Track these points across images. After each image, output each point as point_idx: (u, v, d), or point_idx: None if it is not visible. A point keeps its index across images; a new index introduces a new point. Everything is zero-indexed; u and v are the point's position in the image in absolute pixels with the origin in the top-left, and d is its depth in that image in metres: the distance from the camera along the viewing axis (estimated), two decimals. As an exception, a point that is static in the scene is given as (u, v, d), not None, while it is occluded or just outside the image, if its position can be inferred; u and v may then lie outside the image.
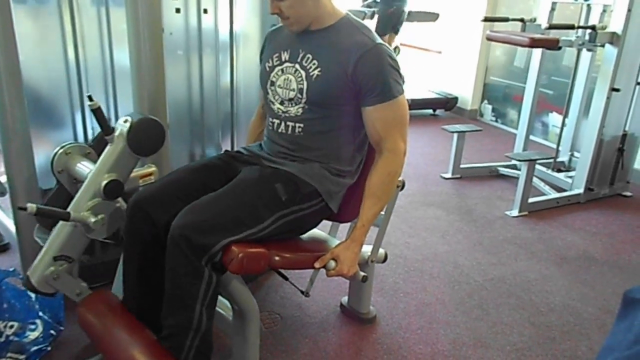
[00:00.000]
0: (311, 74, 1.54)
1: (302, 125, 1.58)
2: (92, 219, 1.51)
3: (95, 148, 1.73)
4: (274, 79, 1.62)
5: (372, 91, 1.50)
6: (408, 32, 5.71)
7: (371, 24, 5.29)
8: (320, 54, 1.54)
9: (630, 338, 0.68)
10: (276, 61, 1.62)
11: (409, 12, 5.40)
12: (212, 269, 1.39)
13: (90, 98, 1.52)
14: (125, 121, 1.56)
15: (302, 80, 1.55)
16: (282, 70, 1.60)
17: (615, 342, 0.71)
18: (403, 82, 1.56)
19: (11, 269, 1.85)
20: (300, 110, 1.57)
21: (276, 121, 1.62)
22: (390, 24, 5.20)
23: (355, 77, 1.49)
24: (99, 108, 1.52)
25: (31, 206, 1.39)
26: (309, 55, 1.55)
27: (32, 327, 1.75)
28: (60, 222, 1.55)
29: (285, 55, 1.60)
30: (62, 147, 1.71)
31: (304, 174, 1.56)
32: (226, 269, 1.43)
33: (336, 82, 1.51)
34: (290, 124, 1.59)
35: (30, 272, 1.54)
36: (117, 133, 1.56)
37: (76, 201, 1.54)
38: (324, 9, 1.55)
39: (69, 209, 1.51)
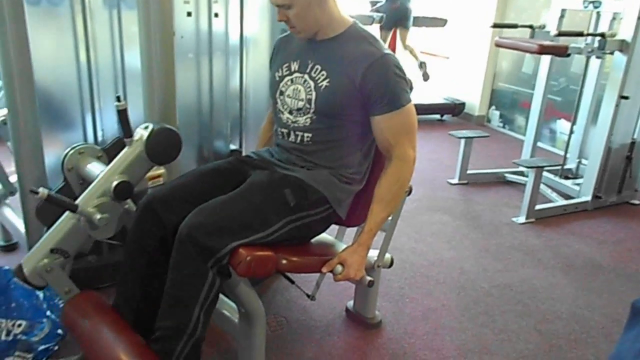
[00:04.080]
0: (320, 84, 1.55)
1: (310, 135, 1.59)
2: (98, 216, 1.51)
3: (108, 152, 1.75)
4: (283, 89, 1.64)
5: (380, 100, 1.51)
6: (416, 37, 5.72)
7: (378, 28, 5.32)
8: (329, 65, 1.55)
9: (638, 347, 0.68)
10: (285, 71, 1.64)
11: (417, 18, 5.42)
12: (217, 272, 1.39)
13: (118, 99, 1.56)
14: (146, 127, 1.59)
15: (311, 90, 1.56)
16: (291, 80, 1.62)
17: (623, 352, 0.71)
18: (411, 89, 1.57)
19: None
20: (308, 120, 1.58)
21: (285, 131, 1.64)
22: (395, 19, 5.25)
23: (363, 87, 1.50)
24: (126, 110, 1.55)
25: (43, 191, 1.41)
26: (317, 66, 1.57)
27: (40, 326, 1.76)
28: (65, 215, 1.56)
29: (294, 66, 1.62)
30: (76, 146, 1.73)
31: (313, 180, 1.57)
32: (230, 275, 1.43)
33: (344, 93, 1.53)
34: (299, 133, 1.60)
35: (24, 261, 1.51)
36: (136, 137, 1.59)
37: (85, 196, 1.55)
38: (331, 17, 1.56)
39: (77, 202, 1.51)
